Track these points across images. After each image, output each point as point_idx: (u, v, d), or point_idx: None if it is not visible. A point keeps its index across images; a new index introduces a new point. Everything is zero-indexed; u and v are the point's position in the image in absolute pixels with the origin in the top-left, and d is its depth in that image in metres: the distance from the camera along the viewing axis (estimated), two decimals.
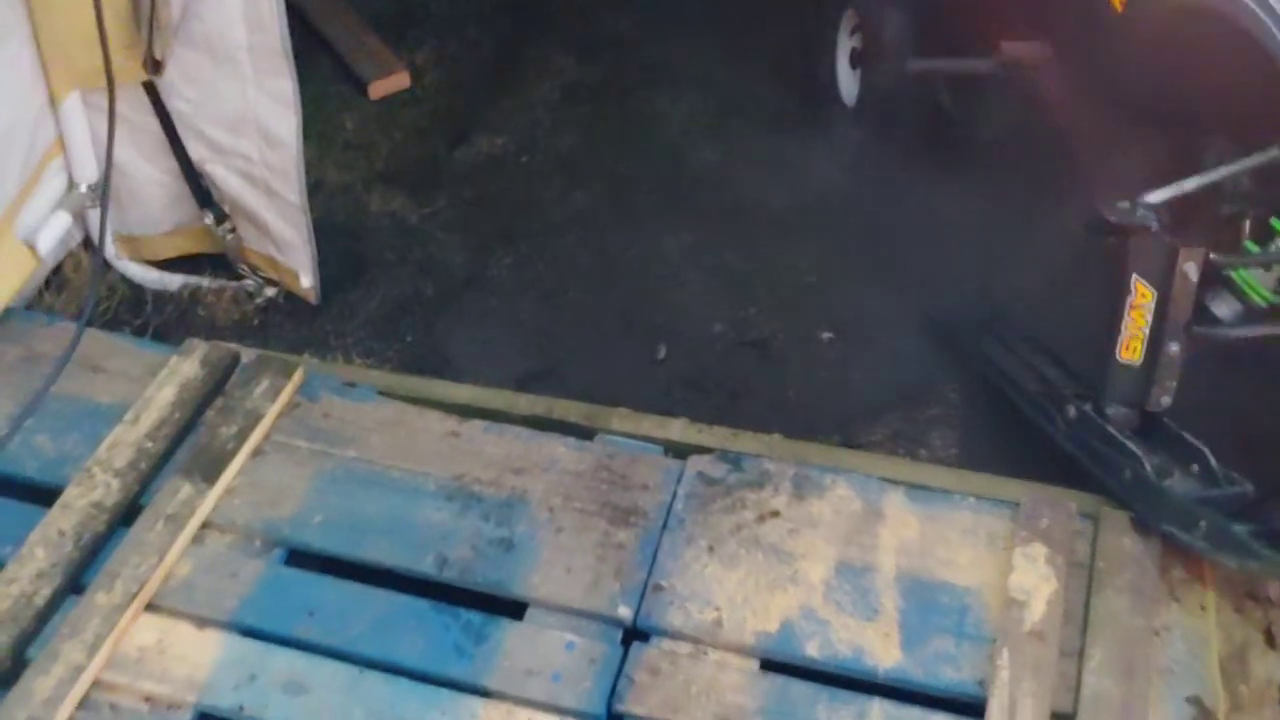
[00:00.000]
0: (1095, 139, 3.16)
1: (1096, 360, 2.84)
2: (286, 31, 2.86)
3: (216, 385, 2.86)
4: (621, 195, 3.90)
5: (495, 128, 4.17)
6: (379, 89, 4.27)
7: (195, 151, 3.20)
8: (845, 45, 3.96)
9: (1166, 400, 2.69)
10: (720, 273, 3.62)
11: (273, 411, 2.79)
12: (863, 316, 3.45)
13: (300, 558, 2.56)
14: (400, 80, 4.31)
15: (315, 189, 3.63)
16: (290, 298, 3.43)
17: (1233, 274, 2.69)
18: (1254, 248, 2.72)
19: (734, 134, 4.13)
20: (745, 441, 2.83)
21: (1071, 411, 2.81)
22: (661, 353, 3.37)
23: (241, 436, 2.73)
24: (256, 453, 2.71)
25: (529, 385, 3.19)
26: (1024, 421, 3.00)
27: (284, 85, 2.95)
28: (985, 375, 3.20)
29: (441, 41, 4.55)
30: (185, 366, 2.87)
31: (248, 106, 3.04)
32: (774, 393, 3.27)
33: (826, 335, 3.41)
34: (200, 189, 3.29)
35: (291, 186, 3.12)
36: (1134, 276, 2.67)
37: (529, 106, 4.27)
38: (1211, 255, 2.63)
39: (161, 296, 3.40)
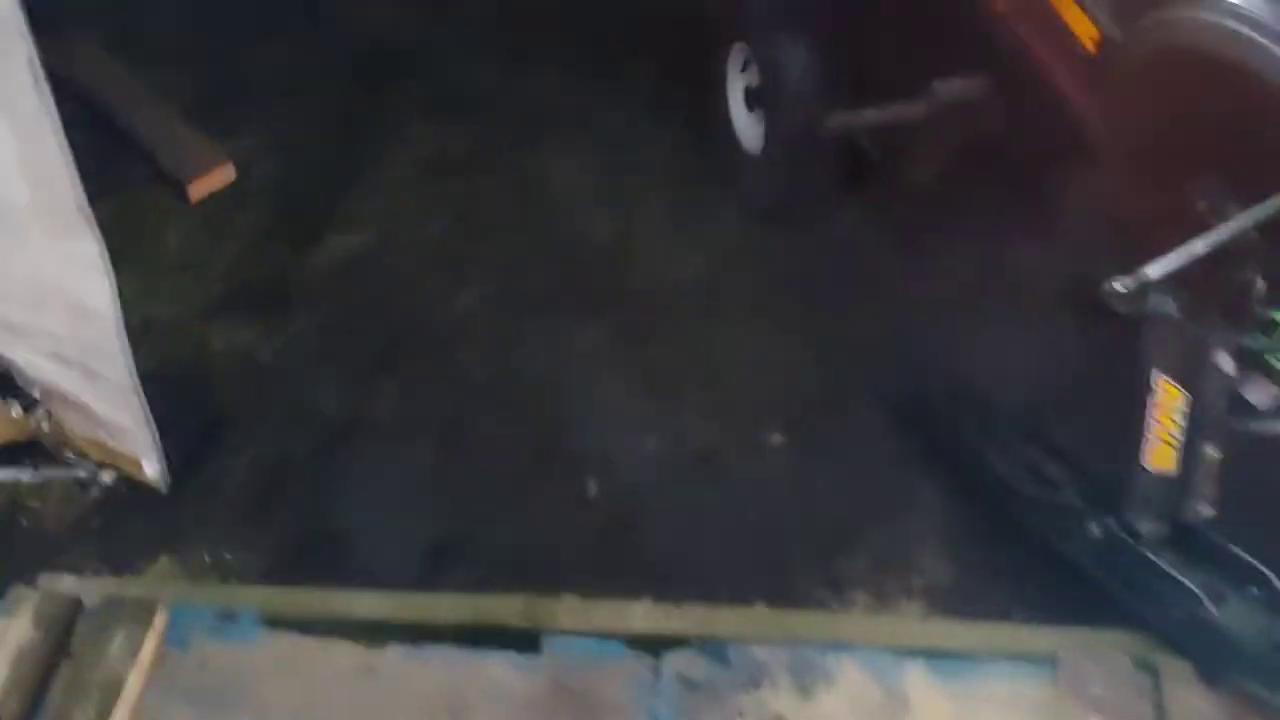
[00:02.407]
0: (1057, 187, 2.75)
1: (1106, 454, 2.45)
2: (79, 185, 2.24)
3: (57, 647, 2.26)
4: (512, 288, 3.35)
5: (350, 221, 3.57)
6: (200, 188, 3.62)
7: None
8: (738, 85, 3.46)
9: (1208, 511, 2.30)
10: (642, 372, 3.11)
11: (136, 674, 2.21)
12: (813, 409, 2.99)
13: None
14: (224, 174, 3.66)
15: (143, 331, 3.02)
16: (134, 483, 2.81)
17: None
18: None
19: (628, 195, 3.61)
20: (725, 620, 2.36)
21: (1095, 530, 2.40)
22: (592, 490, 2.86)
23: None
24: None
25: (442, 563, 2.66)
26: (1026, 528, 2.60)
27: (86, 248, 2.33)
28: (967, 469, 2.77)
29: (269, 119, 3.90)
30: (15, 629, 2.28)
31: (44, 277, 2.41)
32: (730, 520, 2.78)
33: (777, 439, 2.94)
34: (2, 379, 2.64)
35: (115, 364, 2.51)
36: (1156, 375, 2.26)
37: (387, 189, 3.67)
38: (1246, 341, 2.23)
39: None
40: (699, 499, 2.83)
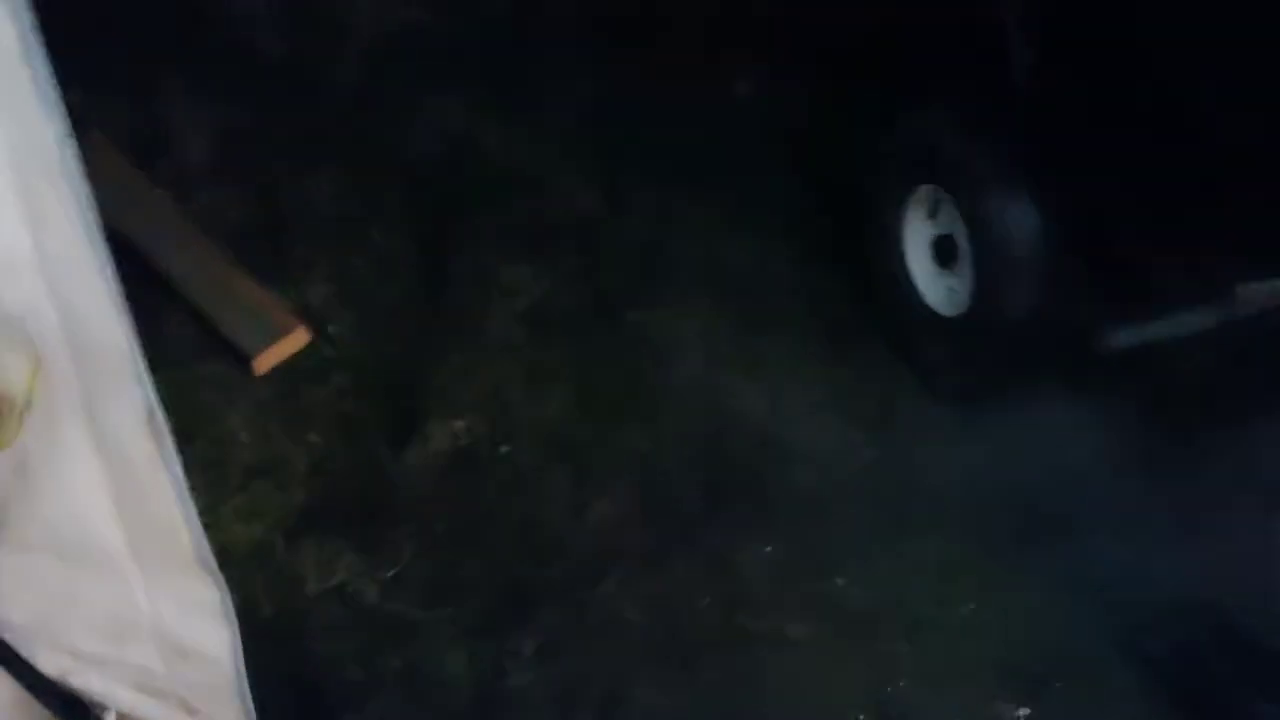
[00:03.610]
0: None
1: None
2: (199, 528, 1.66)
3: None
4: (654, 494, 2.78)
5: (451, 400, 2.97)
6: (268, 359, 3.01)
7: (50, 664, 1.97)
8: (922, 233, 2.88)
9: None
10: (832, 611, 2.57)
11: None
12: (1058, 669, 2.45)
13: None
14: (296, 340, 3.04)
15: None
16: None
17: None
18: None
19: (773, 362, 3.04)
20: None
21: None
22: None
23: None
24: None
25: None
26: None
27: (203, 595, 1.76)
28: None
29: (335, 260, 3.28)
30: None
31: (138, 616, 1.83)
32: None
33: (1020, 714, 2.40)
34: (60, 700, 2.05)
35: (228, 709, 1.93)
36: None
37: (487, 354, 3.08)
38: None
39: None
40: None
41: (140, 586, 1.80)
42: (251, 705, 1.93)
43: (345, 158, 3.58)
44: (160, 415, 1.48)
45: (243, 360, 3.00)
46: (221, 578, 1.74)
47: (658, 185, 3.42)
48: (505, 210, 3.41)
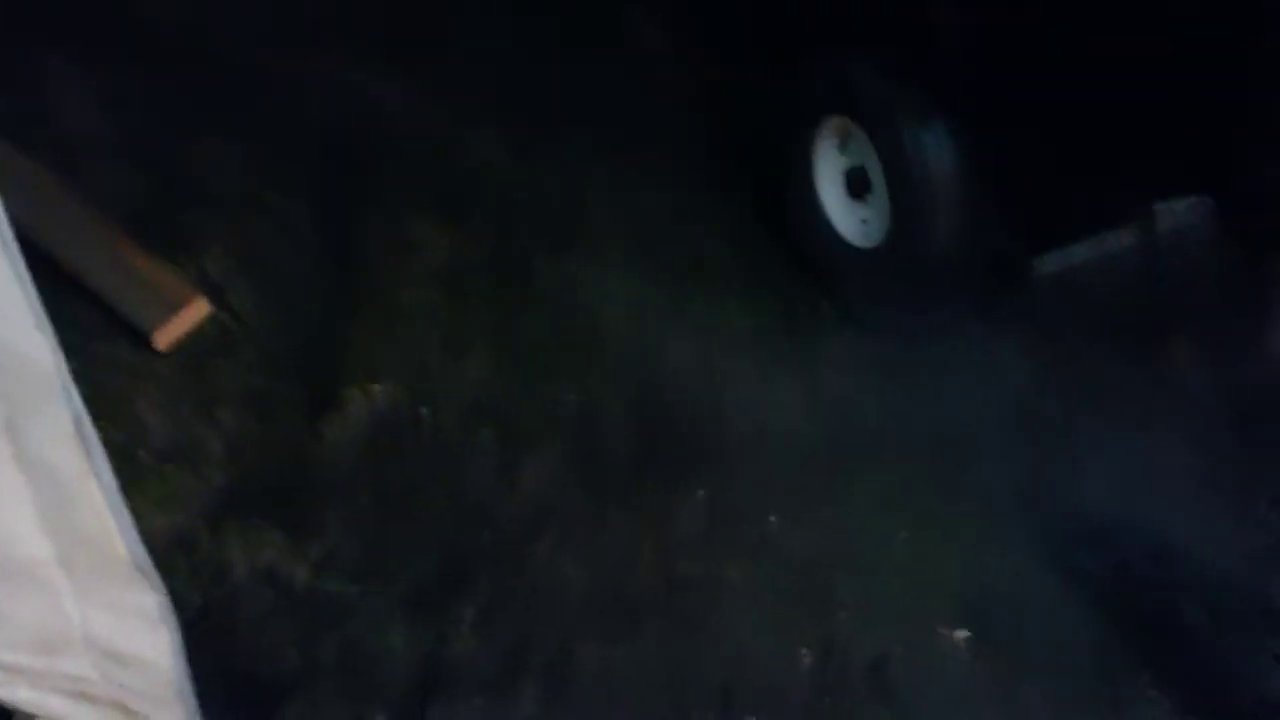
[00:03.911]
0: None
1: None
2: (135, 538, 1.59)
3: None
4: (585, 455, 2.74)
5: (365, 367, 2.88)
6: (169, 334, 2.87)
7: None
8: (833, 166, 2.86)
9: None
10: (774, 563, 2.56)
11: None
12: (998, 598, 2.49)
13: None
14: (196, 311, 2.91)
15: None
16: None
17: None
18: None
19: (700, 311, 3.02)
20: None
21: None
22: None
23: None
24: None
25: None
26: None
27: (139, 600, 1.69)
28: (1200, 672, 2.31)
29: (237, 229, 3.15)
30: None
31: (68, 626, 1.75)
32: None
33: (960, 636, 2.43)
34: None
35: (171, 713, 1.86)
36: None
37: (401, 319, 2.99)
38: None
39: None
40: None
41: (70, 597, 1.73)
42: (195, 703, 1.86)
43: (239, 125, 3.43)
44: (88, 425, 1.41)
45: (143, 339, 2.86)
46: (160, 581, 1.66)
47: (566, 140, 3.36)
48: (410, 171, 3.31)
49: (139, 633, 1.73)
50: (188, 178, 3.25)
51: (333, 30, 3.64)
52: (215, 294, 2.97)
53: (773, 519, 2.60)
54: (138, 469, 2.65)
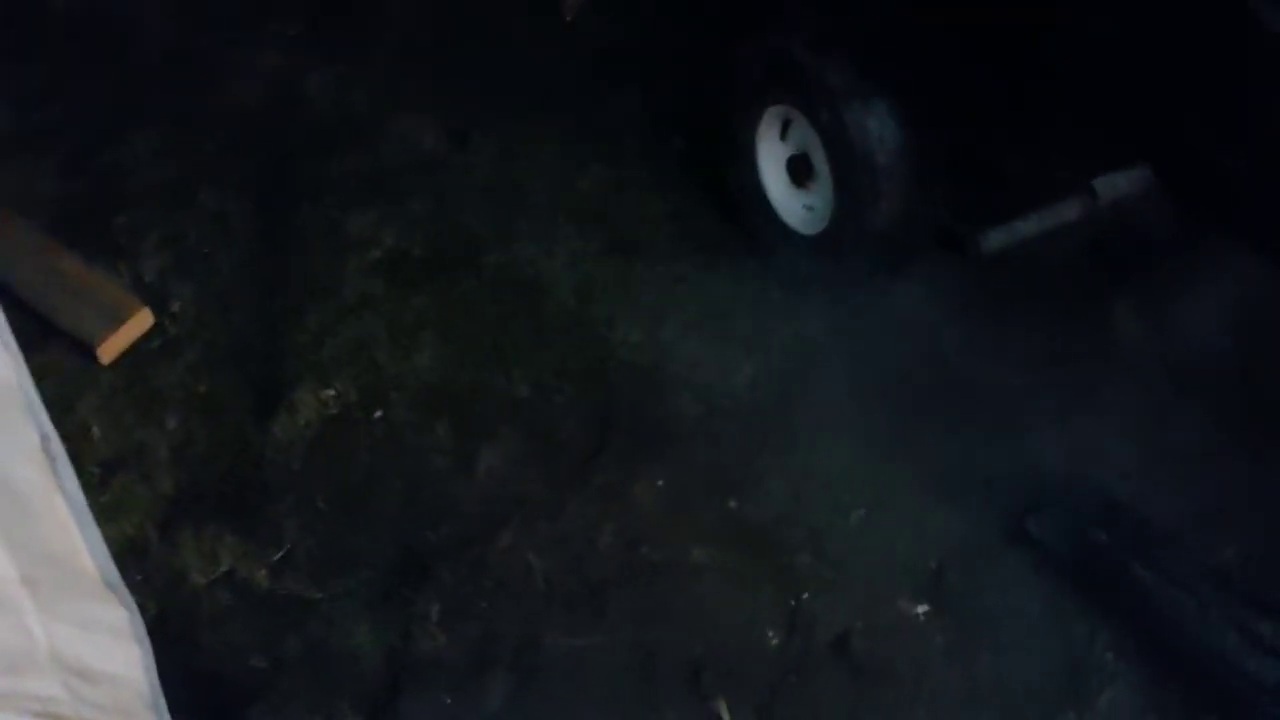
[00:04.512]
0: None
1: None
2: (104, 551, 1.57)
3: None
4: (541, 437, 2.74)
5: (313, 366, 2.84)
6: (113, 346, 2.82)
7: None
8: (775, 155, 2.87)
9: None
10: (733, 537, 2.58)
11: None
12: (954, 566, 2.52)
13: None
14: (140, 322, 2.86)
15: None
16: None
17: None
18: None
19: (643, 288, 3.01)
20: None
21: None
22: (723, 713, 2.33)
23: None
24: None
25: None
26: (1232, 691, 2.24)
27: (107, 614, 1.66)
28: (1156, 635, 2.38)
29: (168, 228, 3.09)
30: None
31: (34, 645, 1.72)
32: None
33: (920, 610, 2.47)
34: None
35: None
36: None
37: (344, 312, 2.95)
38: None
39: None
40: (846, 698, 2.35)
41: (34, 616, 1.69)
42: (168, 718, 1.83)
43: (159, 117, 3.37)
44: (56, 442, 1.38)
45: (81, 347, 2.81)
46: (129, 596, 1.63)
47: (499, 120, 3.33)
48: (342, 158, 3.27)
49: (109, 649, 1.70)
50: (113, 175, 3.18)
51: (249, 12, 3.57)
52: (153, 296, 2.92)
53: (732, 503, 2.61)
54: (84, 480, 2.57)
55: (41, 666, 1.78)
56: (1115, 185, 2.32)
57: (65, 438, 2.54)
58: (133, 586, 2.32)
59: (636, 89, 3.33)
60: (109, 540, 2.41)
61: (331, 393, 2.78)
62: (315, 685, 2.34)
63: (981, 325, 2.70)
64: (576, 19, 3.51)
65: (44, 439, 1.37)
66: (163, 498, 2.61)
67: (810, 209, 2.80)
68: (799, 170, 2.79)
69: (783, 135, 2.84)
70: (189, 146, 3.28)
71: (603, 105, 3.33)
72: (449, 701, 2.32)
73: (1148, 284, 2.53)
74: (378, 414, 2.76)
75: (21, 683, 1.81)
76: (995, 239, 2.38)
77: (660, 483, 2.65)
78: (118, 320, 2.79)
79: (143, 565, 2.50)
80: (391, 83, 3.40)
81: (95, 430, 2.69)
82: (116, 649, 1.71)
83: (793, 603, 2.47)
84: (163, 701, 1.79)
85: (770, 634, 2.43)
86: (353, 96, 3.38)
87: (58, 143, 3.24)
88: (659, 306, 2.95)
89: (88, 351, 2.78)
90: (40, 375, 2.63)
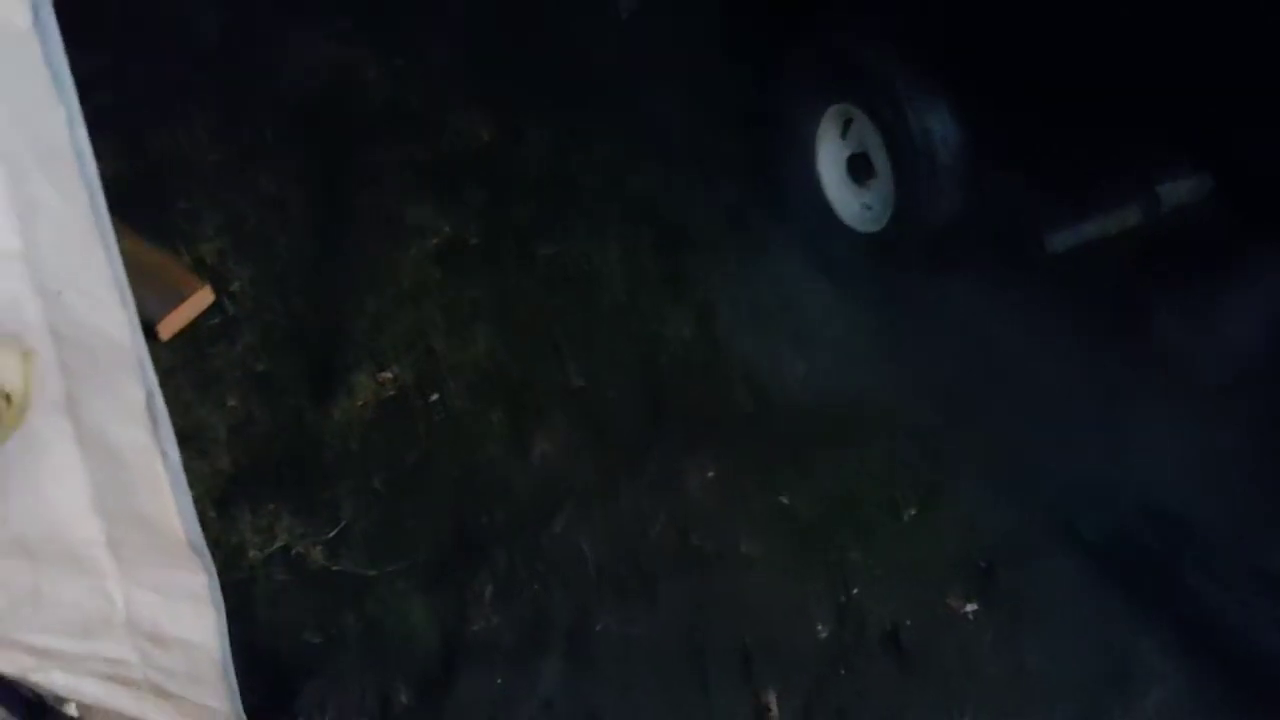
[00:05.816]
0: None
1: None
2: (192, 516, 1.59)
3: None
4: (595, 425, 2.76)
5: (372, 349, 2.88)
6: (173, 324, 2.83)
7: (9, 663, 1.86)
8: (834, 153, 2.89)
9: None
10: (785, 530, 2.60)
11: None
12: (1002, 562, 2.54)
13: None
14: (200, 300, 2.87)
15: None
16: None
17: None
18: None
19: (696, 282, 3.04)
20: None
21: None
22: (771, 703, 2.35)
23: None
24: None
25: None
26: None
27: (187, 580, 1.68)
28: (1196, 625, 2.39)
29: (227, 211, 3.13)
30: None
31: (111, 608, 1.74)
32: (938, 715, 2.34)
33: (969, 609, 2.49)
34: (16, 698, 1.95)
35: (213, 694, 1.86)
36: None
37: (403, 300, 2.99)
38: None
39: None
40: (895, 691, 2.37)
41: (114, 580, 1.71)
42: (235, 684, 1.86)
43: (217, 102, 3.41)
44: (160, 402, 1.40)
45: (146, 327, 2.83)
46: (211, 560, 1.66)
47: (553, 113, 3.36)
48: (398, 147, 3.30)
49: (184, 614, 1.72)
50: (169, 158, 3.22)
51: (309, 2, 3.61)
52: (212, 277, 2.95)
53: (783, 498, 2.63)
54: None
55: (116, 630, 1.80)
56: (1178, 191, 2.33)
57: None
58: None
59: (689, 86, 3.35)
60: None
61: (389, 375, 2.81)
62: (370, 662, 2.36)
63: (1033, 326, 2.71)
64: (630, 17, 3.53)
65: (149, 395, 1.39)
66: (221, 474, 2.63)
67: (868, 207, 2.82)
68: (858, 169, 2.81)
69: (843, 134, 2.86)
70: (248, 132, 3.32)
71: (655, 102, 3.35)
72: (500, 682, 2.34)
73: (1196, 288, 2.54)
74: (434, 398, 2.78)
75: (93, 645, 1.84)
76: (1061, 240, 2.39)
77: (711, 474, 2.67)
78: (178, 298, 2.81)
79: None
80: (449, 76, 3.44)
81: None
82: (193, 615, 1.74)
83: (842, 598, 2.49)
84: (232, 669, 1.82)
85: (820, 627, 2.45)
86: (410, 89, 3.42)
87: (118, 124, 3.28)
88: (711, 301, 2.98)
89: (146, 327, 2.80)
90: None
